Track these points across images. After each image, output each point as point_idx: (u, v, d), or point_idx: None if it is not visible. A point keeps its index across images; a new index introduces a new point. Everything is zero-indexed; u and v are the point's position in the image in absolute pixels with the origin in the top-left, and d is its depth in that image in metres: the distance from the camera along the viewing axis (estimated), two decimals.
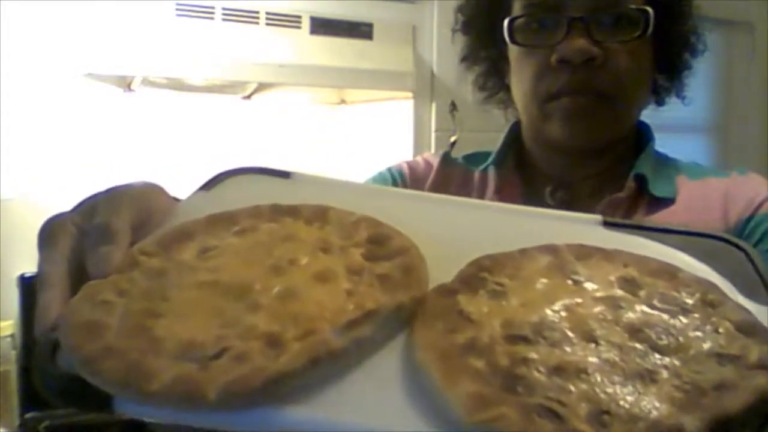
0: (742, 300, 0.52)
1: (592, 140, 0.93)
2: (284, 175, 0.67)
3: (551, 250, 0.55)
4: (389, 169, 1.08)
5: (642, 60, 0.92)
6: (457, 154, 1.09)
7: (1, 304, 1.74)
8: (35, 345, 0.48)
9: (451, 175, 1.05)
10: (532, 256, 0.54)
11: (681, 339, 0.46)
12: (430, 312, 0.48)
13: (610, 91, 0.89)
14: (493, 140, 1.05)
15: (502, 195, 0.99)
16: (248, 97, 2.12)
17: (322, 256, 0.54)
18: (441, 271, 0.53)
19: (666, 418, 0.40)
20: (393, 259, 0.52)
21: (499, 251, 0.55)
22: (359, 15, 1.95)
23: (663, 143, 1.01)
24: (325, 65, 1.90)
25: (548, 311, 0.48)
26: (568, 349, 0.45)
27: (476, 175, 1.04)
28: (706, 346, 0.45)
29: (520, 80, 0.95)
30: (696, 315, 0.48)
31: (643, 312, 0.49)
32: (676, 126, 2.24)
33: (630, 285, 0.51)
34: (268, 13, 1.84)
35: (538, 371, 0.43)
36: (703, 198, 0.93)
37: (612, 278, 0.52)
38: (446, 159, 1.08)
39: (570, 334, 0.46)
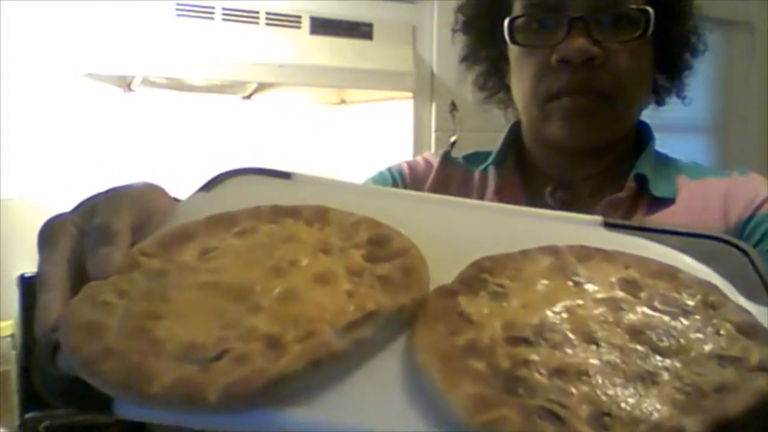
0: (742, 301, 0.51)
1: (592, 140, 0.93)
2: (284, 175, 0.67)
3: (552, 251, 0.55)
4: (389, 169, 1.08)
5: (642, 60, 0.92)
6: (457, 154, 1.09)
7: (1, 304, 1.74)
8: (35, 346, 0.48)
9: (451, 175, 1.05)
10: (533, 257, 0.54)
11: (682, 341, 0.46)
12: (430, 313, 0.48)
13: (611, 91, 0.89)
14: (493, 140, 1.04)
15: (502, 195, 0.99)
16: (248, 97, 2.12)
17: (323, 257, 0.54)
18: (441, 272, 0.53)
19: (667, 420, 0.40)
20: (393, 261, 0.52)
21: (500, 252, 0.55)
22: (359, 15, 1.95)
23: (663, 143, 1.00)
24: (325, 65, 1.90)
25: (549, 313, 0.48)
26: (569, 350, 0.45)
27: (476, 175, 1.04)
28: (707, 347, 0.45)
29: (520, 80, 0.95)
30: (697, 317, 0.48)
31: (644, 313, 0.49)
32: (676, 126, 2.24)
33: (631, 286, 0.51)
34: (268, 13, 1.84)
35: (539, 373, 0.43)
36: (703, 198, 0.93)
37: (613, 280, 0.52)
38: (446, 159, 1.07)
39: (571, 335, 0.46)
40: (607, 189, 0.94)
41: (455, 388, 0.42)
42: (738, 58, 2.86)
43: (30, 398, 1.65)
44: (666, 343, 0.46)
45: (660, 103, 1.03)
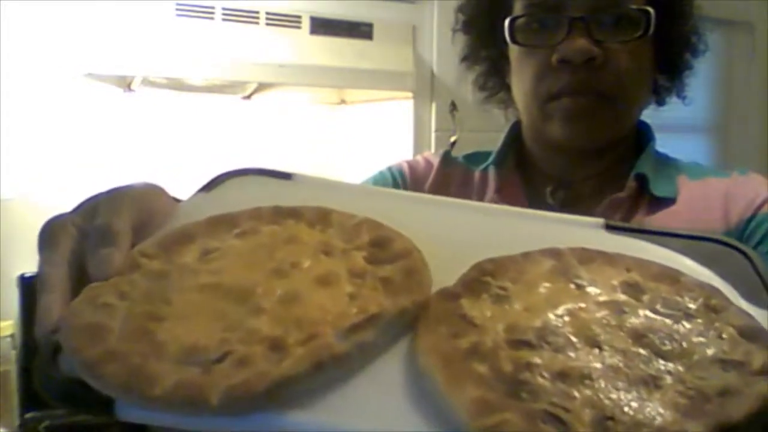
0: (744, 304, 0.51)
1: (593, 140, 0.93)
2: (285, 176, 0.67)
3: (554, 253, 0.55)
4: (389, 169, 1.08)
5: (643, 60, 0.92)
6: (457, 153, 1.09)
7: (1, 304, 1.74)
8: (36, 347, 0.48)
9: (452, 175, 1.05)
10: (535, 259, 0.54)
11: (684, 344, 0.46)
12: (433, 316, 0.48)
13: (611, 91, 0.89)
14: (493, 140, 1.04)
15: (502, 195, 0.99)
16: (248, 97, 2.11)
17: (325, 259, 0.54)
18: (443, 274, 0.52)
19: (670, 424, 0.40)
20: (395, 263, 0.52)
21: (502, 254, 0.55)
22: (359, 15, 1.95)
23: (663, 143, 1.00)
24: (325, 65, 1.90)
25: (551, 316, 0.48)
26: (571, 354, 0.45)
27: (476, 174, 1.04)
28: (710, 351, 0.45)
29: (520, 80, 0.95)
30: (699, 320, 0.48)
31: (646, 317, 0.49)
32: (676, 126, 2.24)
33: (633, 289, 0.51)
34: (268, 13, 1.84)
35: (542, 376, 0.43)
36: (703, 198, 0.93)
37: (615, 282, 0.52)
38: (446, 158, 1.07)
39: (573, 339, 0.46)
40: (607, 189, 0.94)
41: (458, 392, 0.42)
42: (738, 58, 2.86)
43: (30, 398, 1.66)
44: (668, 347, 0.46)
45: (660, 103, 1.02)
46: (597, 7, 0.87)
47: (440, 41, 2.05)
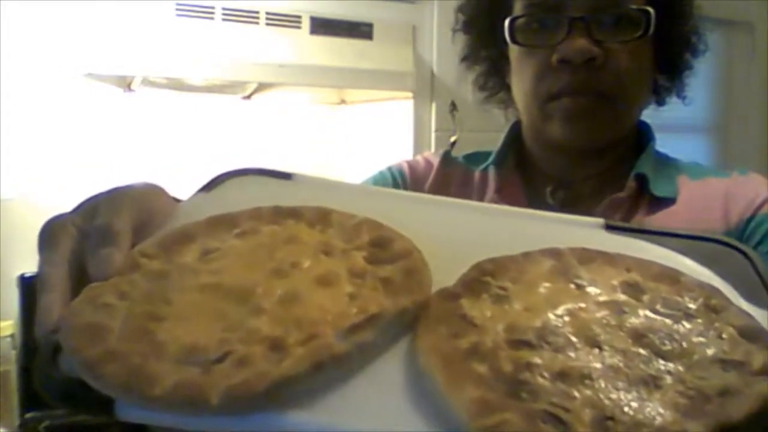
0: (744, 304, 0.51)
1: (593, 140, 0.93)
2: (285, 176, 0.67)
3: (554, 253, 0.55)
4: (389, 169, 1.08)
5: (643, 60, 0.92)
6: (457, 153, 1.09)
7: (1, 304, 1.74)
8: (36, 347, 0.48)
9: (452, 175, 1.05)
10: (535, 259, 0.54)
11: (684, 344, 0.46)
12: (433, 316, 0.48)
13: (611, 92, 0.89)
14: (493, 140, 1.04)
15: (502, 195, 0.99)
16: (248, 97, 2.11)
17: (325, 259, 0.54)
18: (442, 274, 0.53)
19: (670, 424, 0.40)
20: (395, 263, 0.52)
21: (501, 254, 0.55)
22: (359, 15, 1.95)
23: (663, 143, 1.00)
24: (325, 65, 1.90)
25: (551, 316, 0.48)
26: (571, 354, 0.45)
27: (476, 174, 1.04)
28: (710, 351, 0.45)
29: (520, 80, 0.95)
30: (699, 320, 0.48)
31: (646, 317, 0.49)
32: (676, 126, 2.24)
33: (633, 289, 0.51)
34: (268, 13, 1.84)
35: (542, 377, 0.43)
36: (703, 198, 0.93)
37: (615, 282, 0.52)
38: (446, 158, 1.07)
39: (573, 339, 0.46)
40: (607, 189, 0.94)
41: (458, 392, 0.42)
42: (738, 58, 2.86)
43: (30, 398, 1.66)
44: (668, 347, 0.46)
45: (660, 103, 1.02)
46: (597, 7, 0.87)
47: (440, 41, 2.05)
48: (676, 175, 0.96)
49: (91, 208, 0.55)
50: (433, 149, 2.03)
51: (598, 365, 0.44)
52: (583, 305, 0.49)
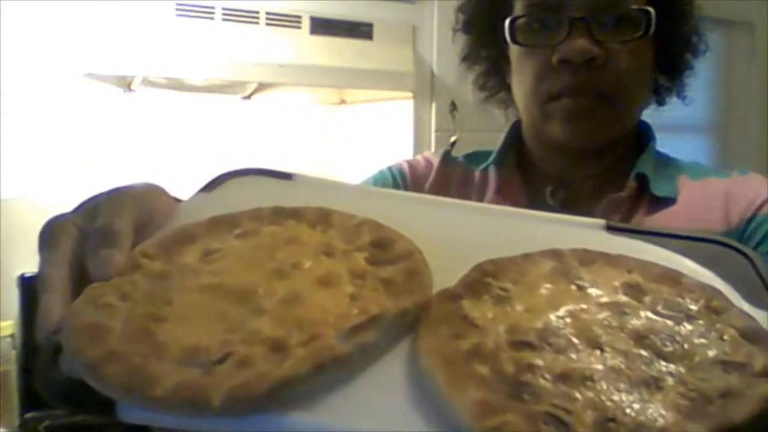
0: (745, 306, 0.51)
1: (593, 140, 0.93)
2: (285, 176, 0.67)
3: (555, 254, 0.55)
4: (389, 168, 1.07)
5: (643, 60, 0.92)
6: (458, 153, 1.09)
7: (1, 304, 1.74)
8: (37, 348, 0.48)
9: (452, 175, 1.05)
10: (536, 260, 0.54)
11: (686, 346, 0.46)
12: (434, 317, 0.48)
13: (611, 92, 0.89)
14: (493, 140, 1.04)
15: (502, 194, 0.99)
16: (248, 97, 2.11)
17: (326, 259, 0.54)
18: (443, 274, 0.52)
19: (672, 426, 0.40)
20: (397, 264, 0.52)
21: (502, 255, 0.55)
22: (359, 15, 1.95)
23: (663, 143, 1.00)
24: (325, 65, 1.90)
25: (553, 317, 0.48)
26: (573, 355, 0.45)
27: (477, 174, 1.04)
28: (711, 353, 0.45)
29: (521, 80, 0.95)
30: (700, 321, 0.48)
31: (647, 318, 0.49)
32: (676, 126, 2.24)
33: (634, 291, 0.51)
34: (268, 13, 1.84)
35: (544, 378, 0.43)
36: (704, 198, 0.93)
37: (616, 284, 0.52)
38: (447, 158, 1.07)
39: (575, 340, 0.46)
40: (607, 189, 0.94)
41: (460, 393, 0.42)
42: (738, 58, 2.86)
43: (30, 398, 1.66)
44: (670, 349, 0.46)
45: (661, 103, 1.03)
46: (597, 7, 0.87)
47: (440, 41, 2.05)
48: (677, 175, 0.96)
49: (92, 208, 0.55)
50: (433, 149, 2.03)
51: (600, 367, 0.44)
52: (584, 306, 0.49)
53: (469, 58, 1.06)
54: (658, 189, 0.93)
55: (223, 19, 1.79)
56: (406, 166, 1.07)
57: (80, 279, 0.51)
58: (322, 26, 1.90)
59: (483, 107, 1.09)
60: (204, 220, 0.58)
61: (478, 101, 1.09)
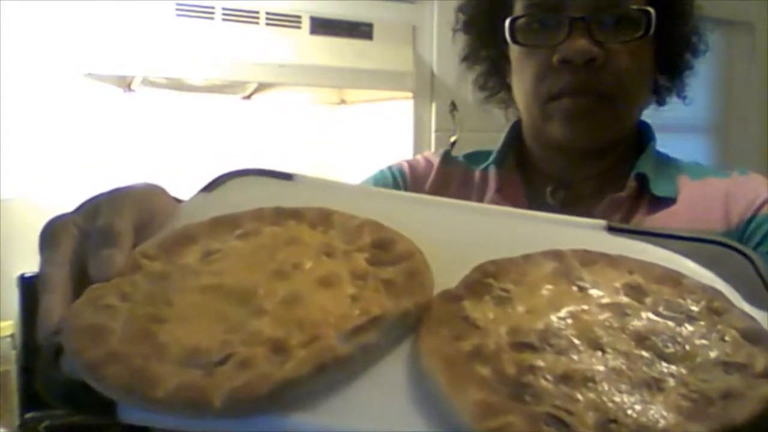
0: (746, 307, 0.51)
1: (593, 140, 0.93)
2: (286, 177, 0.67)
3: (556, 255, 0.55)
4: (389, 168, 1.07)
5: (643, 60, 0.92)
6: (457, 153, 1.09)
7: (1, 304, 1.74)
8: (37, 348, 0.48)
9: (452, 174, 1.05)
10: (537, 261, 0.54)
11: (687, 347, 0.46)
12: (435, 318, 0.48)
13: (611, 92, 0.89)
14: (493, 140, 1.04)
15: (502, 194, 0.99)
16: (248, 97, 2.11)
17: (326, 260, 0.53)
18: (445, 275, 0.52)
19: (673, 427, 0.40)
20: (398, 264, 0.52)
21: (503, 256, 0.55)
22: (359, 15, 1.95)
23: (663, 143, 1.00)
24: (325, 65, 1.90)
25: (554, 318, 0.48)
26: (574, 356, 0.45)
27: (477, 174, 1.04)
28: (713, 354, 0.45)
29: (521, 80, 0.95)
30: (702, 323, 0.48)
31: (649, 319, 0.49)
32: (676, 126, 2.24)
33: (635, 292, 0.51)
34: (268, 13, 1.84)
35: (545, 379, 0.43)
36: (704, 198, 0.93)
37: (617, 285, 0.52)
38: (447, 158, 1.07)
39: (576, 341, 0.46)
40: (607, 189, 0.94)
41: (461, 394, 0.42)
42: (738, 58, 2.86)
43: (30, 398, 1.66)
44: (671, 350, 0.46)
45: (661, 103, 1.03)
46: (597, 7, 0.87)
47: (440, 41, 2.05)
48: (677, 175, 0.96)
49: (93, 208, 0.55)
50: (433, 149, 2.03)
51: (601, 368, 0.44)
52: (585, 307, 0.49)
53: (469, 58, 1.06)
54: (658, 189, 0.93)
55: (223, 19, 1.79)
56: (406, 166, 1.07)
57: (81, 279, 0.51)
58: (322, 26, 1.90)
59: (483, 107, 1.09)
60: (204, 221, 0.58)
61: (478, 101, 1.09)
